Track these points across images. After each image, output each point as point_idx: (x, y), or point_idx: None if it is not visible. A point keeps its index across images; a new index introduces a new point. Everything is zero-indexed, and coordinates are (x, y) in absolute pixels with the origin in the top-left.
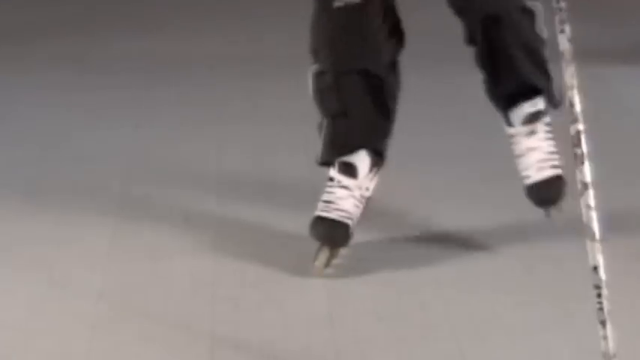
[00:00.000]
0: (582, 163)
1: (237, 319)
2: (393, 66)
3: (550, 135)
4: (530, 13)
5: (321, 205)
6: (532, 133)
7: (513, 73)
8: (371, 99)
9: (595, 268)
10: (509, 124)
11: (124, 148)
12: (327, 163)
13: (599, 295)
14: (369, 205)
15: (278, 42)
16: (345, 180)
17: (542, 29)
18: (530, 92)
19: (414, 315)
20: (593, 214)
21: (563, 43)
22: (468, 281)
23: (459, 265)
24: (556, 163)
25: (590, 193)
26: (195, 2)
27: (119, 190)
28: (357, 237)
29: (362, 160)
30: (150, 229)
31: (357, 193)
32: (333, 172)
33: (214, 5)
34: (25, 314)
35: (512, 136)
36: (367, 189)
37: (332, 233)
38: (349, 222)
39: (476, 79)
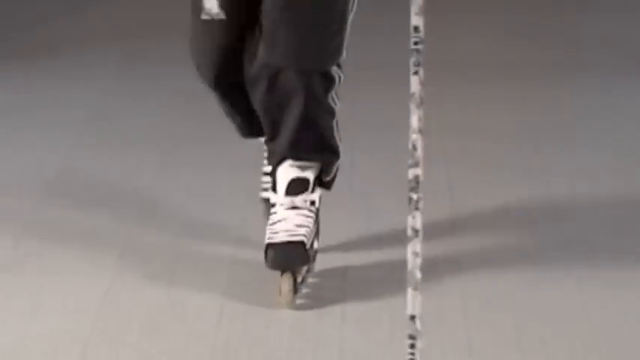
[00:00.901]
0: (416, 209)
1: None
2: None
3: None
4: (329, 81)
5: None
6: (293, 207)
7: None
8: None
9: (412, 317)
10: (273, 187)
11: None
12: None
13: (412, 346)
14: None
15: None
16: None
17: (335, 99)
18: (298, 157)
19: None
20: (418, 262)
21: (415, 85)
22: None
23: None
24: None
25: (418, 240)
26: None
27: None
28: None
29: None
30: None
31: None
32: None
33: None
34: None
35: (272, 204)
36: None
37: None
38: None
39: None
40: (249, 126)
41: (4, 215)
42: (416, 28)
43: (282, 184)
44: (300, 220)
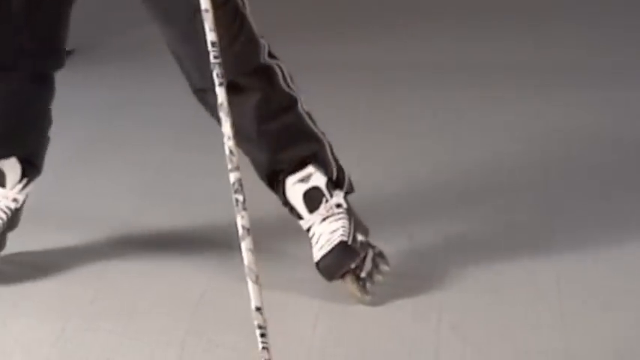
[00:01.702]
0: (243, 209)
1: None
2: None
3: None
4: (266, 72)
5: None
6: (323, 219)
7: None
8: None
9: (258, 309)
10: (295, 213)
11: None
12: None
13: (262, 335)
14: (16, 217)
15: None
16: None
17: (291, 88)
18: (294, 168)
19: None
20: (253, 258)
21: (222, 95)
22: None
23: None
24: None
25: (250, 237)
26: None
27: None
28: None
29: (11, 168)
30: None
31: (2, 204)
32: None
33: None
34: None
35: (307, 229)
36: (15, 200)
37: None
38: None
39: None
40: None
41: (102, 216)
42: (213, 44)
43: (299, 205)
44: (333, 226)
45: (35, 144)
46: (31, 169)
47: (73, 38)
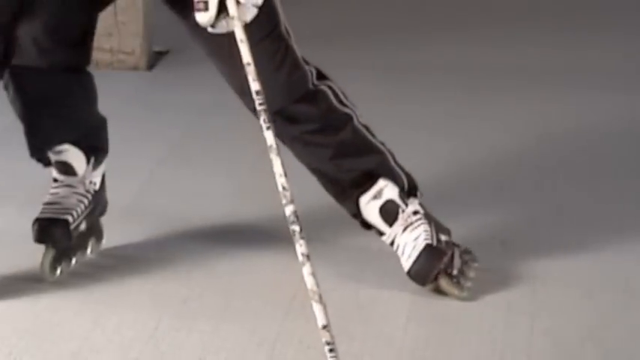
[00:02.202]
0: (301, 238)
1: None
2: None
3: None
4: (317, 95)
5: (42, 207)
6: (404, 229)
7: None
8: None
9: (324, 327)
10: (377, 231)
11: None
12: (42, 160)
13: (331, 350)
14: (100, 199)
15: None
16: (68, 179)
17: (346, 105)
18: (364, 186)
19: None
20: (315, 281)
21: (270, 138)
22: None
23: None
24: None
25: (310, 263)
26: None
27: None
28: None
29: (73, 156)
30: None
31: (81, 189)
32: (55, 173)
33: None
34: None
35: (390, 244)
36: (92, 182)
37: (55, 231)
38: (70, 218)
39: None
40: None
41: (196, 215)
42: (257, 92)
43: (378, 221)
44: (415, 233)
45: (84, 127)
46: (92, 150)
47: (167, 39)
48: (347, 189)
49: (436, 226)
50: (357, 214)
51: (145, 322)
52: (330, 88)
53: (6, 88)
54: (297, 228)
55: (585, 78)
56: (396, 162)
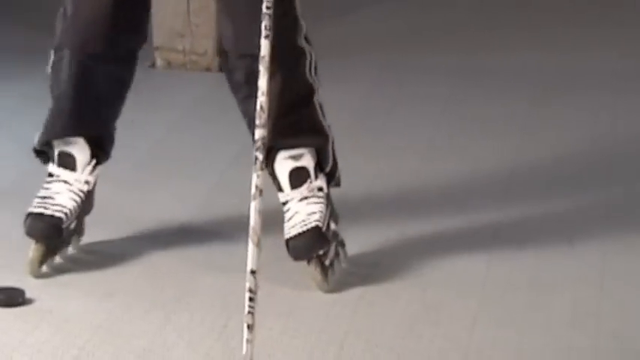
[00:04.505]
0: (260, 169)
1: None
2: (128, 61)
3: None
4: (300, 54)
5: (35, 201)
6: (303, 198)
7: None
8: (91, 86)
9: (252, 272)
10: (278, 187)
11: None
12: (44, 153)
13: (251, 299)
14: (89, 199)
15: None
16: (65, 174)
17: (313, 78)
18: (288, 146)
19: None
20: (260, 220)
21: (265, 48)
22: None
23: None
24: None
25: (261, 198)
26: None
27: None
28: None
29: (81, 150)
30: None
31: (75, 187)
32: (52, 167)
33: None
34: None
35: (283, 203)
36: (86, 182)
37: (45, 229)
38: (62, 215)
39: None
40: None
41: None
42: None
43: (283, 179)
44: (311, 207)
45: (105, 128)
46: (99, 152)
47: None
48: (274, 135)
49: (331, 211)
50: (268, 159)
51: (215, 320)
52: (310, 54)
53: (55, 70)
54: (260, 156)
55: None
56: (332, 148)
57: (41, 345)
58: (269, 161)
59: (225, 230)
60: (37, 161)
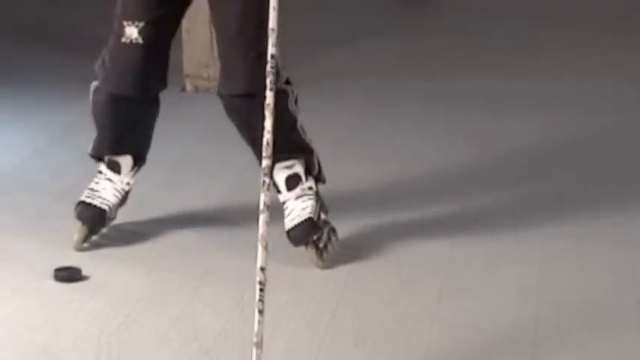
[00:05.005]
0: (267, 190)
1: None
2: (155, 99)
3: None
4: (282, 94)
5: (86, 192)
6: (297, 197)
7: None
8: (129, 119)
9: (262, 269)
10: (277, 190)
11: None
12: (97, 157)
13: (261, 290)
14: (127, 196)
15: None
16: (111, 174)
17: (295, 109)
18: (282, 159)
19: None
20: (267, 229)
21: (270, 98)
22: None
23: None
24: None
25: (268, 213)
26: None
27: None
28: None
29: (126, 161)
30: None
31: (118, 186)
32: (102, 166)
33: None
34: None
35: (283, 202)
36: (128, 184)
37: (92, 216)
38: (107, 208)
39: None
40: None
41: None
42: (272, 56)
43: (281, 184)
44: (304, 204)
45: (143, 145)
46: (139, 161)
47: None
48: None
49: (321, 205)
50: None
51: (234, 293)
52: (291, 91)
53: (97, 104)
54: (267, 180)
55: None
56: (316, 156)
57: (95, 313)
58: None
59: (242, 219)
60: (87, 168)
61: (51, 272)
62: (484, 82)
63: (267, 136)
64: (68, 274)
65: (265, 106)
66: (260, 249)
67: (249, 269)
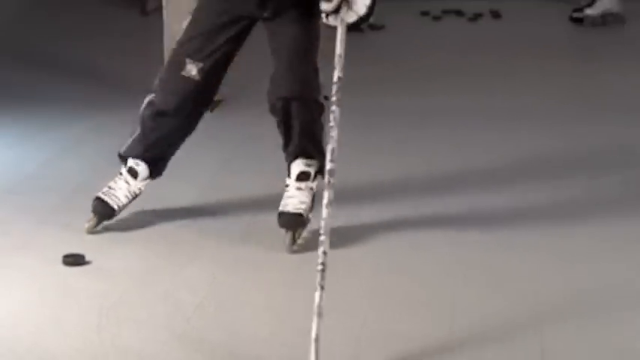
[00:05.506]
0: (330, 188)
1: None
2: (196, 121)
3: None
4: (320, 107)
5: (105, 188)
6: (299, 189)
7: (296, 140)
8: (164, 133)
9: (324, 253)
10: (289, 175)
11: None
12: (123, 158)
13: (323, 271)
14: (135, 198)
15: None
16: (128, 178)
17: (324, 122)
18: (305, 156)
19: None
20: (329, 222)
21: (337, 112)
22: None
23: None
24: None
25: (328, 210)
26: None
27: None
28: None
29: (143, 170)
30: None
31: (131, 189)
32: (124, 169)
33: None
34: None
35: (287, 185)
36: (139, 189)
37: (103, 212)
38: (116, 207)
39: None
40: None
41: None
42: (339, 78)
43: (294, 173)
44: (303, 198)
45: (163, 159)
46: (156, 172)
47: (221, 91)
48: (300, 149)
49: (312, 206)
50: (292, 157)
51: (208, 274)
52: (325, 106)
53: (144, 115)
54: (332, 180)
55: None
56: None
57: (96, 291)
58: (292, 158)
59: (220, 213)
60: (97, 175)
61: (60, 258)
62: (459, 99)
63: (333, 144)
64: (74, 260)
65: (332, 118)
66: (324, 237)
67: (221, 255)
